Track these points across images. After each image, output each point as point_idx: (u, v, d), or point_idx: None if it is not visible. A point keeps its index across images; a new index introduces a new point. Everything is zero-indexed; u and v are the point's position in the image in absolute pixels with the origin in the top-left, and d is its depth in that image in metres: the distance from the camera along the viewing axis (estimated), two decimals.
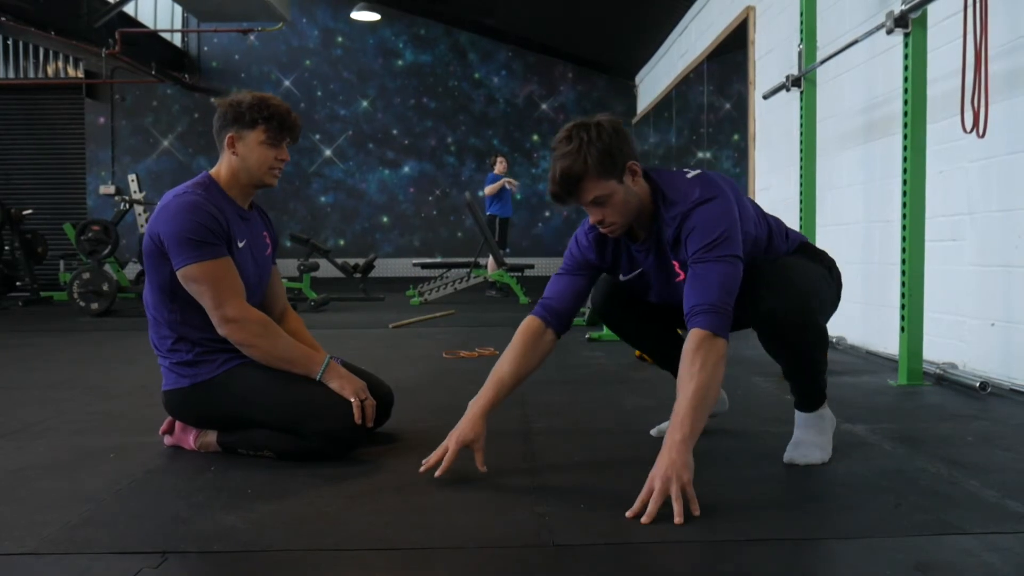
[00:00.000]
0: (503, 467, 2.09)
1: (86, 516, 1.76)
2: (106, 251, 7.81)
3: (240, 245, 2.27)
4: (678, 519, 1.61)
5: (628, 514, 1.66)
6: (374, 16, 11.23)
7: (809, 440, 2.11)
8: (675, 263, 2.03)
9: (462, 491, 1.93)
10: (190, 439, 2.31)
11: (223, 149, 2.29)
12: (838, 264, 2.27)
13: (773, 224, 2.18)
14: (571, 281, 2.15)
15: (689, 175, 1.98)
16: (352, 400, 2.17)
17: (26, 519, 1.75)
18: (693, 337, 1.81)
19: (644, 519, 1.62)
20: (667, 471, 1.68)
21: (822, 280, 2.12)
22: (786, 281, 1.98)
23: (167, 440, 2.37)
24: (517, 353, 2.07)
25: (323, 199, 12.14)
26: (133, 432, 2.58)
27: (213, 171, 2.32)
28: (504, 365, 2.07)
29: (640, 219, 2.01)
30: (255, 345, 2.20)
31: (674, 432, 1.73)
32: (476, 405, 2.02)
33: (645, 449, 2.31)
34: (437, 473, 1.93)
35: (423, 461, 2.00)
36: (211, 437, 2.29)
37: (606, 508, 1.79)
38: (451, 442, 1.98)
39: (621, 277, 2.18)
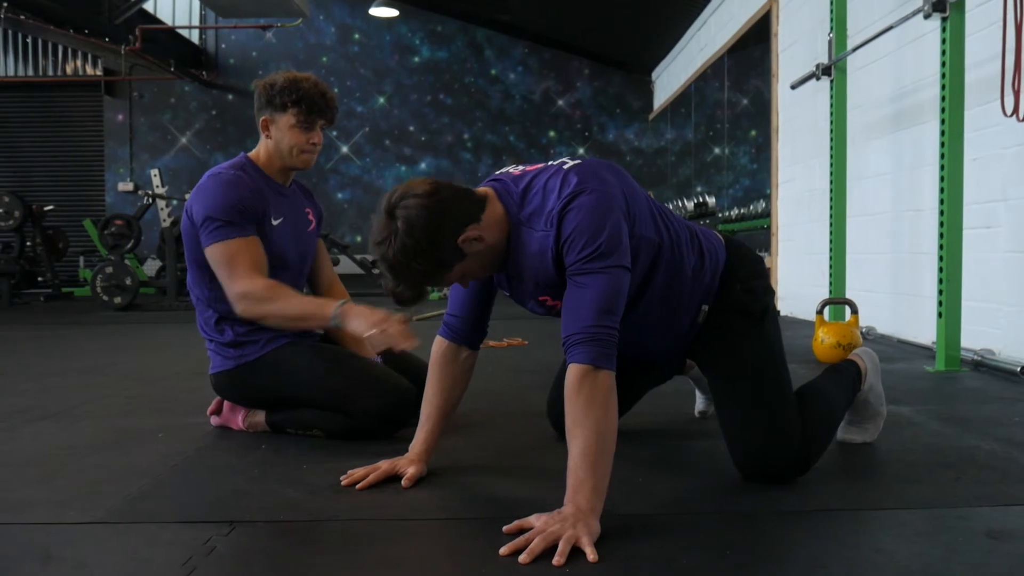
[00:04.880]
0: (555, 444, 2.10)
1: (145, 489, 1.77)
2: (129, 245, 7.86)
3: (275, 223, 2.26)
4: (558, 560, 1.30)
5: (502, 551, 1.35)
6: (392, 12, 11.24)
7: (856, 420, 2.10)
8: (543, 298, 1.71)
9: (515, 466, 1.95)
10: (239, 419, 2.32)
11: (260, 132, 2.31)
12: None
13: (678, 229, 1.78)
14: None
15: (566, 165, 1.63)
16: (373, 332, 1.92)
17: (85, 492, 1.76)
18: (572, 375, 1.49)
19: (523, 557, 1.32)
20: (568, 527, 1.37)
21: (783, 383, 1.80)
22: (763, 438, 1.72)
23: (214, 420, 2.39)
24: (437, 387, 1.85)
25: (340, 196, 12.16)
26: (176, 414, 2.60)
27: (252, 153, 2.33)
28: (429, 404, 1.86)
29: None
30: (267, 313, 2.12)
31: (576, 498, 1.42)
32: (414, 450, 1.84)
33: (687, 424, 2.33)
34: (358, 487, 1.74)
35: (348, 471, 1.80)
36: (260, 417, 2.30)
37: (663, 479, 1.81)
38: (385, 464, 1.80)
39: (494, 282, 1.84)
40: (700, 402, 2.47)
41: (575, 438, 1.46)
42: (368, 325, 1.94)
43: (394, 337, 1.90)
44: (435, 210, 1.52)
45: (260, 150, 2.32)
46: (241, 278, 2.12)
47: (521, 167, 1.74)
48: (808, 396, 1.84)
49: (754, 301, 1.84)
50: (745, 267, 1.88)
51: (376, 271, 1.61)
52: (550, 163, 1.70)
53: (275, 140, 2.27)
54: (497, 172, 1.77)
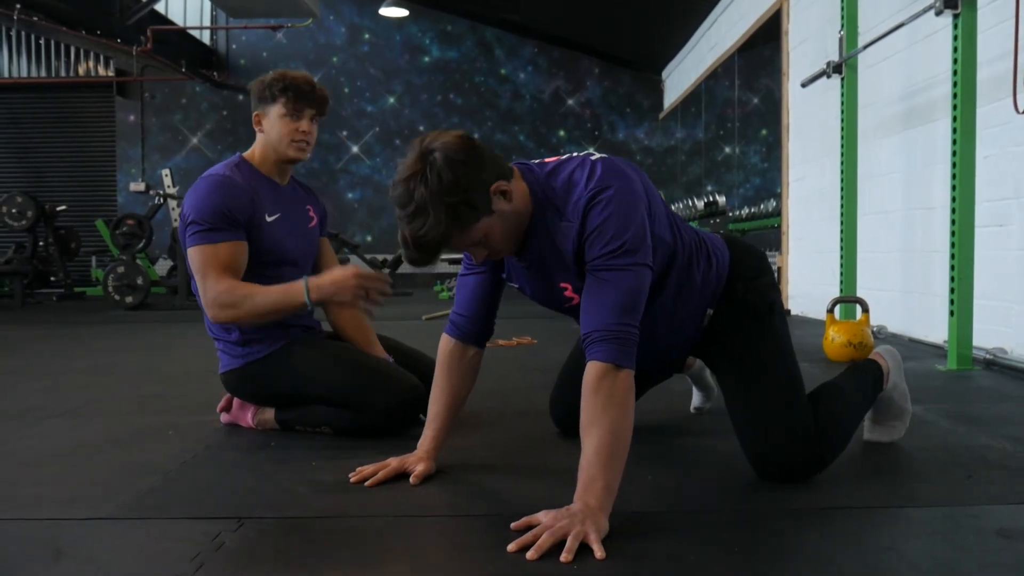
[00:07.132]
0: (563, 443, 2.10)
1: (155, 485, 1.78)
2: (140, 245, 7.90)
3: (270, 219, 2.26)
4: (566, 556, 1.30)
5: (510, 548, 1.34)
6: (402, 12, 11.24)
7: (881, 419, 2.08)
8: (563, 285, 1.70)
9: (524, 464, 1.95)
10: (248, 416, 2.33)
11: (255, 128, 2.32)
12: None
13: (688, 234, 1.79)
14: (472, 284, 1.83)
15: (593, 157, 1.61)
16: (354, 286, 1.99)
17: (95, 488, 1.77)
18: (592, 372, 1.48)
19: (531, 554, 1.32)
20: (576, 523, 1.36)
21: (793, 380, 1.78)
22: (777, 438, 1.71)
23: (224, 418, 2.39)
24: (444, 385, 1.85)
25: (350, 195, 12.17)
26: (185, 412, 2.60)
27: (247, 152, 2.35)
28: (436, 402, 1.86)
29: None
30: (239, 315, 2.10)
31: (587, 495, 1.41)
32: (423, 447, 1.84)
33: (696, 422, 2.32)
34: (367, 484, 1.75)
35: (357, 468, 1.81)
36: (269, 414, 2.31)
37: (672, 476, 1.81)
38: (394, 462, 1.80)
39: (503, 275, 1.84)
40: (696, 399, 2.48)
41: (590, 436, 1.45)
42: (349, 292, 2.01)
43: (372, 288, 2.00)
44: (472, 152, 1.52)
45: (255, 148, 2.34)
46: (210, 286, 2.10)
47: (545, 160, 1.72)
48: (825, 395, 1.83)
49: (760, 300, 1.84)
50: (750, 265, 1.88)
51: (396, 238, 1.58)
52: (575, 154, 1.68)
53: (267, 132, 2.29)
54: (518, 160, 1.74)
